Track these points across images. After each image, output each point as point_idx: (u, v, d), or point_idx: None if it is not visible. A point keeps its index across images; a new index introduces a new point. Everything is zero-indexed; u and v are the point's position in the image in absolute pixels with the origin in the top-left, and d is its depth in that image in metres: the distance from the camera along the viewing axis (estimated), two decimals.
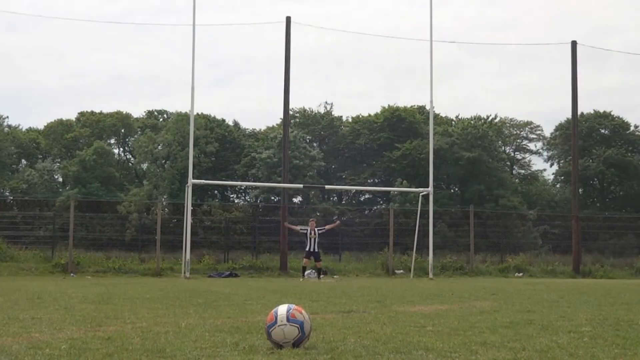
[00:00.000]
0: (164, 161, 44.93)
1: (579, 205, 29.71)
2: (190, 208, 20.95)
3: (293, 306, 4.82)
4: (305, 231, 20.18)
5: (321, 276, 20.72)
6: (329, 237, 26.25)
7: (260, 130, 51.07)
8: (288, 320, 4.65)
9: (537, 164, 62.34)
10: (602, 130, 50.93)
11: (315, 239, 19.94)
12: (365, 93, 72.14)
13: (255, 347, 4.53)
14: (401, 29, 78.11)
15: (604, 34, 75.05)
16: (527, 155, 56.47)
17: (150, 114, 54.62)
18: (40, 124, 64.75)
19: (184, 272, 20.47)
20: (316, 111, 51.98)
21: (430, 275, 21.88)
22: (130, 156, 53.08)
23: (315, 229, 20.08)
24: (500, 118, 54.32)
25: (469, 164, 45.69)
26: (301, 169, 42.62)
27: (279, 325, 4.62)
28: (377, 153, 47.89)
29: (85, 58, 70.42)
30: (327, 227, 21.05)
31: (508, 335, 5.24)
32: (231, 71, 78.55)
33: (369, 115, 50.74)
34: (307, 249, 20.14)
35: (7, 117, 50.10)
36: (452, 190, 48.38)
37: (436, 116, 47.30)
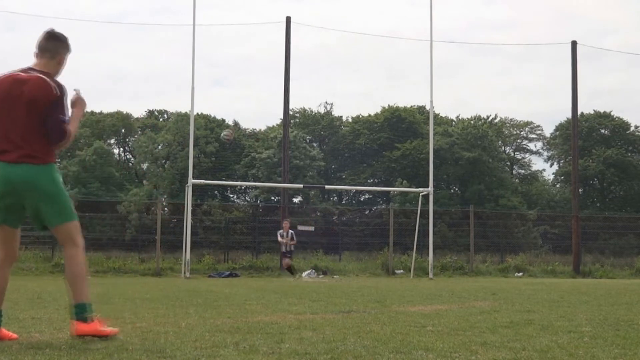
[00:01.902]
0: (164, 161, 44.94)
1: (579, 205, 29.72)
2: (190, 208, 20.94)
3: None
4: (282, 238, 19.99)
5: (304, 275, 20.68)
6: (329, 237, 26.25)
7: (260, 130, 51.13)
8: None
9: (537, 164, 62.48)
10: (602, 130, 50.96)
11: (287, 243, 19.89)
12: (365, 93, 72.22)
13: (255, 347, 4.53)
14: (401, 29, 78.17)
15: (604, 34, 75.15)
16: (527, 155, 56.56)
17: (150, 114, 54.62)
18: None
19: (184, 272, 20.46)
20: (316, 111, 52.01)
21: (430, 275, 21.88)
22: (130, 156, 53.08)
23: (289, 231, 20.08)
24: (500, 118, 54.44)
25: (469, 164, 45.70)
26: (301, 169, 42.63)
27: None
28: (377, 153, 47.91)
29: (85, 58, 70.50)
30: (294, 238, 20.20)
31: (508, 335, 5.24)
32: (231, 71, 78.66)
33: (369, 115, 50.77)
34: (282, 249, 20.22)
35: None
36: (452, 190, 48.40)
37: (436, 116, 47.32)
